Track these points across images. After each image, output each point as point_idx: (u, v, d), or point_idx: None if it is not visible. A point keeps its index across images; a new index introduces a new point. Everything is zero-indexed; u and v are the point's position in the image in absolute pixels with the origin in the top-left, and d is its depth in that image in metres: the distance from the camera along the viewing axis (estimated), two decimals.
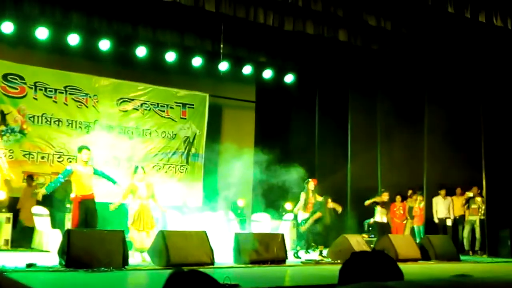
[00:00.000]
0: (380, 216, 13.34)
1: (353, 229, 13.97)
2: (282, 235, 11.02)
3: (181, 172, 15.29)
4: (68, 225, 11.43)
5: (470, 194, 14.55)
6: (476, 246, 14.24)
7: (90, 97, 14.01)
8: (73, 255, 8.27)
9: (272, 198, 14.42)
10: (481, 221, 14.15)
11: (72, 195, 9.98)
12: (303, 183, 12.39)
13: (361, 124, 15.82)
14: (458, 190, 14.74)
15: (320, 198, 12.12)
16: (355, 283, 1.52)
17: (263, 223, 14.49)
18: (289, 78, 16.46)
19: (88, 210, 9.79)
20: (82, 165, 9.91)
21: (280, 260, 10.27)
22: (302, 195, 12.22)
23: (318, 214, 11.82)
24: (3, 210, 11.82)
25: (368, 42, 13.43)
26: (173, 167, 15.18)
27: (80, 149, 10.11)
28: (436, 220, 14.61)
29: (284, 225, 14.57)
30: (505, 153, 13.68)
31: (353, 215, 15.02)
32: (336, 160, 15.96)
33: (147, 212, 10.18)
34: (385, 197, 13.48)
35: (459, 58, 13.86)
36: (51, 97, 13.57)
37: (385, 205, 13.54)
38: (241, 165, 15.32)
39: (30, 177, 12.84)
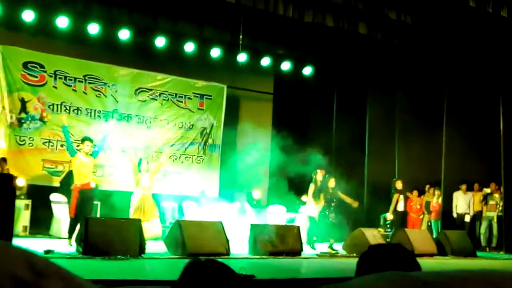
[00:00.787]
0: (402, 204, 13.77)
1: (370, 223, 13.93)
2: (298, 227, 11.05)
3: (198, 163, 15.34)
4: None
5: (488, 190, 14.45)
6: (493, 243, 14.15)
7: (109, 86, 14.08)
8: (91, 243, 8.37)
9: (288, 190, 14.41)
10: (498, 217, 14.05)
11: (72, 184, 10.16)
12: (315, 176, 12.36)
13: (379, 118, 15.74)
14: (476, 186, 14.65)
15: (332, 185, 12.06)
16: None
17: (279, 215, 14.51)
18: (307, 71, 16.39)
19: (84, 198, 9.94)
20: (84, 155, 10.03)
21: (296, 252, 10.30)
22: (311, 187, 12.17)
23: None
24: (22, 197, 11.95)
25: (388, 36, 13.35)
26: (190, 157, 15.22)
27: (83, 140, 10.24)
28: (455, 215, 14.52)
29: (300, 218, 14.56)
30: None
31: (370, 209, 14.98)
32: (353, 154, 15.88)
33: (148, 202, 10.36)
34: (398, 185, 13.95)
35: (478, 53, 13.71)
36: (70, 86, 13.66)
37: (402, 193, 14.01)
38: (258, 157, 15.35)
39: (3, 160, 12.21)
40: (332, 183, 12.05)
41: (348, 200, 12.18)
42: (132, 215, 10.27)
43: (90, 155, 10.16)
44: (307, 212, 12.39)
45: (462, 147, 14.26)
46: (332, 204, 11.87)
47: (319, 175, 12.18)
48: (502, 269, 1.34)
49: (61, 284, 0.94)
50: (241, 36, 13.08)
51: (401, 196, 14.04)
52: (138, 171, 10.71)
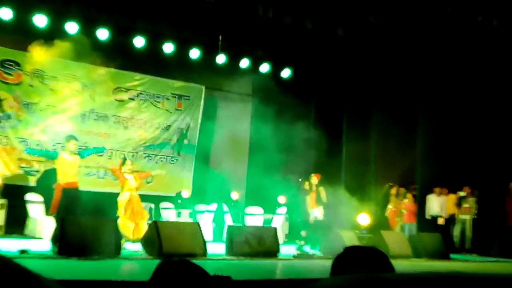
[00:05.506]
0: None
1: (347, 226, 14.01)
2: (275, 228, 11.10)
3: (172, 163, 15.27)
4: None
5: (462, 193, 14.64)
6: (467, 245, 14.33)
7: (86, 85, 13.97)
8: (66, 243, 8.32)
9: (265, 191, 14.44)
10: (472, 220, 14.25)
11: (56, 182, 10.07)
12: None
13: (356, 120, 15.85)
14: (444, 190, 14.83)
15: (323, 194, 12.10)
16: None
17: (256, 216, 14.54)
18: (286, 73, 16.43)
19: (71, 198, 9.83)
20: (68, 154, 9.95)
21: (272, 253, 10.34)
22: (313, 195, 12.09)
23: None
24: None
25: (367, 39, 13.46)
26: (164, 158, 15.16)
27: (69, 139, 10.15)
28: (428, 217, 14.70)
29: (277, 219, 14.62)
30: (497, 154, 13.77)
31: (346, 211, 15.07)
32: (330, 154, 15.96)
33: (137, 203, 10.26)
34: (393, 190, 14.59)
35: (453, 61, 13.90)
36: (47, 85, 13.53)
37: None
38: (236, 158, 15.37)
39: None
40: (315, 180, 12.06)
41: (323, 197, 12.21)
42: (121, 217, 10.09)
43: (77, 154, 10.09)
44: (319, 218, 12.20)
45: (438, 151, 14.43)
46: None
47: (315, 179, 12.11)
48: (471, 271, 1.39)
49: None
50: (220, 37, 13.08)
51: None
52: (123, 172, 10.54)
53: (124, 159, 10.96)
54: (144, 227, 9.92)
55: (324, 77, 16.19)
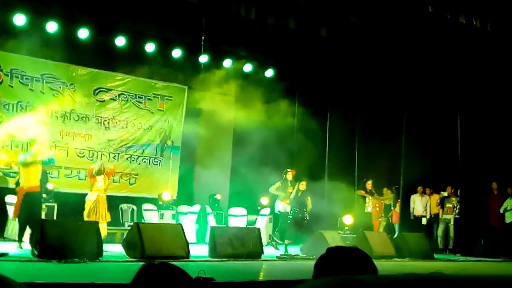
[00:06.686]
0: (371, 206, 14.23)
1: (330, 226, 14.01)
2: (259, 229, 11.06)
3: (155, 164, 15.14)
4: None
5: (444, 193, 14.72)
6: (450, 245, 14.40)
7: (67, 86, 13.81)
8: (47, 246, 8.19)
9: (249, 192, 14.40)
10: (455, 220, 14.33)
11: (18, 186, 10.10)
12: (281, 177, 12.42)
13: (340, 121, 15.86)
14: (428, 190, 14.89)
15: (309, 202, 12.18)
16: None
17: (239, 217, 14.48)
18: (269, 73, 16.39)
19: (33, 202, 9.72)
20: (30, 157, 9.79)
21: (256, 254, 10.29)
22: (277, 184, 12.23)
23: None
24: None
25: (350, 39, 13.47)
26: (147, 159, 15.03)
27: (31, 142, 10.04)
28: (412, 217, 14.75)
29: (261, 220, 14.57)
30: (480, 155, 13.86)
31: (329, 211, 15.07)
32: (314, 154, 15.97)
33: (103, 205, 10.26)
34: (369, 185, 14.27)
35: (436, 61, 13.96)
36: (27, 85, 13.35)
37: (371, 194, 14.36)
38: (219, 159, 15.30)
39: None
40: (303, 186, 12.08)
41: (308, 204, 12.25)
42: (86, 217, 10.11)
43: (44, 163, 9.97)
44: (278, 208, 12.39)
45: (421, 151, 14.48)
46: (300, 207, 11.97)
47: (290, 175, 12.23)
48: (452, 272, 1.40)
49: None
50: (203, 37, 13.00)
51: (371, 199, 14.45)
52: (94, 174, 10.56)
53: (96, 162, 11.08)
54: (103, 229, 9.87)
55: (308, 77, 16.17)
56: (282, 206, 12.29)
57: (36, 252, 8.26)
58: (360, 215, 14.35)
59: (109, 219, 10.41)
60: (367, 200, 14.35)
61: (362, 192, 14.41)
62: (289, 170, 12.43)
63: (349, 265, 2.05)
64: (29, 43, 13.14)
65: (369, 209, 14.28)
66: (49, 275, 6.86)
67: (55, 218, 11.68)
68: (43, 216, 11.00)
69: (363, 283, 1.21)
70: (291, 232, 11.99)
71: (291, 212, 12.02)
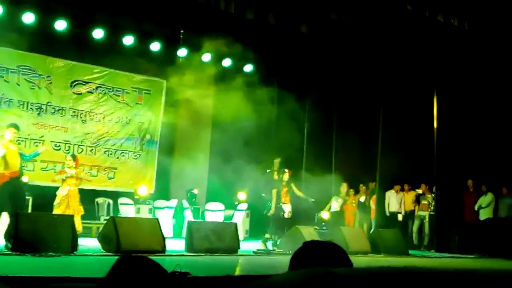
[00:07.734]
0: (337, 206, 14.39)
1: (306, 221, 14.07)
2: (235, 224, 11.05)
3: (134, 159, 15.06)
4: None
5: (419, 191, 14.87)
6: (425, 241, 14.56)
7: (43, 78, 13.66)
8: (20, 239, 8.09)
9: (227, 187, 14.39)
10: (430, 216, 14.48)
11: None
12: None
13: (318, 117, 15.91)
14: (406, 186, 15.04)
15: (298, 192, 12.16)
16: None
17: (216, 212, 14.46)
18: (248, 68, 16.37)
19: (15, 189, 9.51)
20: (8, 143, 9.60)
21: (232, 249, 10.28)
22: (275, 192, 11.91)
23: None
24: None
25: (330, 37, 13.50)
26: (126, 153, 14.93)
27: (8, 126, 9.82)
28: (387, 214, 14.88)
29: (238, 215, 14.57)
30: (455, 152, 14.02)
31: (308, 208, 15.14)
32: (293, 151, 16.00)
33: (74, 198, 10.15)
34: (343, 188, 14.81)
35: (414, 58, 14.07)
36: (2, 77, 13.17)
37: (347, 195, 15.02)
38: (197, 154, 15.24)
39: None
40: (286, 176, 11.96)
41: (301, 194, 12.26)
42: (55, 210, 9.97)
43: (27, 157, 9.86)
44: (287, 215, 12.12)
45: (397, 148, 14.59)
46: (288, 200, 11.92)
47: (286, 176, 12.01)
48: (427, 267, 1.41)
49: None
50: (181, 31, 12.93)
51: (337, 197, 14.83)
52: (65, 167, 10.48)
53: (72, 155, 10.91)
54: (78, 223, 9.76)
55: (287, 72, 16.18)
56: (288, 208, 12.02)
57: (10, 246, 8.15)
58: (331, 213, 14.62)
59: (82, 213, 10.29)
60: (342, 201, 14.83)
61: (340, 201, 14.77)
62: (286, 170, 12.14)
63: (325, 259, 2.06)
64: (5, 34, 12.95)
65: (333, 208, 14.85)
66: (23, 269, 6.78)
67: (29, 211, 11.52)
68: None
69: (337, 275, 1.22)
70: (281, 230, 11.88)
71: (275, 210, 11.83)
